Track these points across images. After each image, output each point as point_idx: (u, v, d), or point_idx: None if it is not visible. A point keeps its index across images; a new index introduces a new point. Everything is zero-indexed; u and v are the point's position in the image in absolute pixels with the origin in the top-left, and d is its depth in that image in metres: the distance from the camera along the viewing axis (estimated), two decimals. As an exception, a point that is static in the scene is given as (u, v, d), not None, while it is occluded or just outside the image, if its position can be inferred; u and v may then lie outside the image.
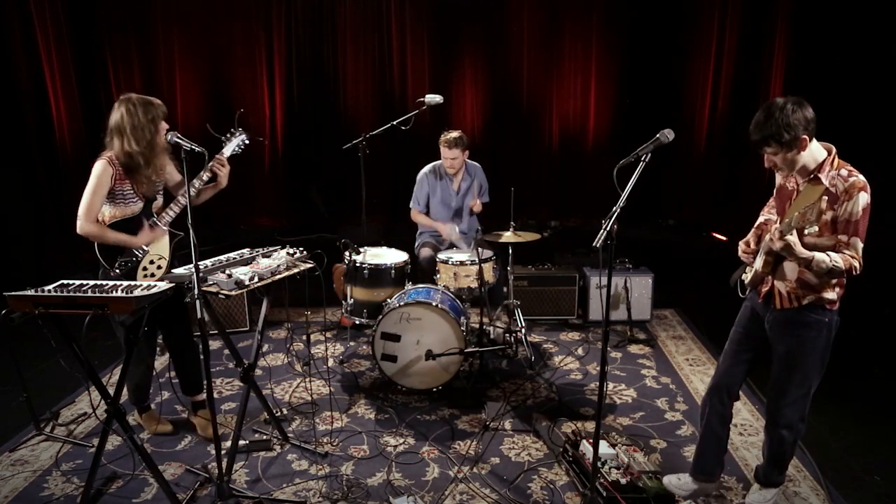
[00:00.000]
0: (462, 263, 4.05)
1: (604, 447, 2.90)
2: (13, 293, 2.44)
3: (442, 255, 4.18)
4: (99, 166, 2.99)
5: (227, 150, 3.29)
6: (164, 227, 3.19)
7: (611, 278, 2.59)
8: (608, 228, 2.37)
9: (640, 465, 2.88)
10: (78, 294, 2.46)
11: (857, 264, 2.35)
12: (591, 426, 3.25)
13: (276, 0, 7.11)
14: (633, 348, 4.52)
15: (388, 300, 3.90)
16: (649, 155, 2.46)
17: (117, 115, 3.00)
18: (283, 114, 7.45)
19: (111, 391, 2.68)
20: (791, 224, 2.27)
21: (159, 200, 3.23)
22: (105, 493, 2.90)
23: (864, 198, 2.34)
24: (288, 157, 7.60)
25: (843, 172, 2.39)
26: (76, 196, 3.05)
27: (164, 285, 2.62)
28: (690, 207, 7.57)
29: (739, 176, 7.08)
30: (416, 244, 4.75)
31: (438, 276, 4.16)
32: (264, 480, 2.99)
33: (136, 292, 2.51)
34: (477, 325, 4.23)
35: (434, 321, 3.68)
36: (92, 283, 2.59)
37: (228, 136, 3.34)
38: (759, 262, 2.56)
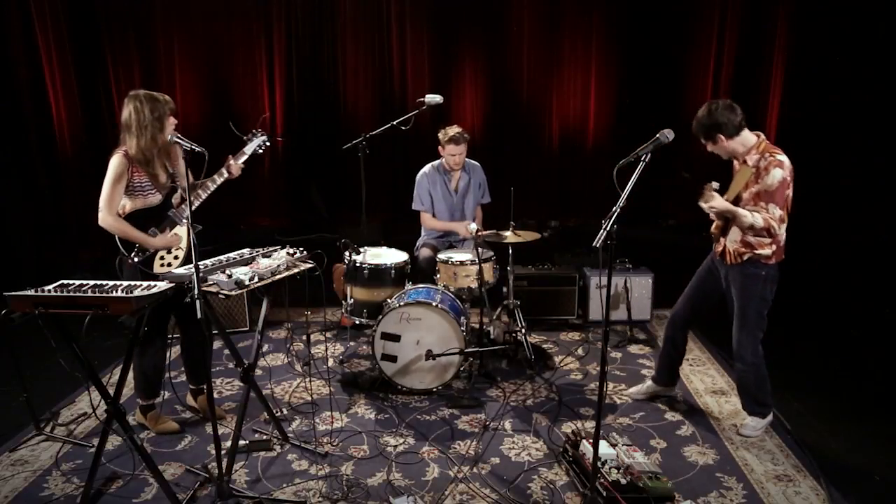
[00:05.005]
0: (462, 263, 4.05)
1: (604, 447, 2.89)
2: (13, 293, 2.44)
3: (442, 256, 4.18)
4: (115, 159, 3.12)
5: (248, 149, 3.53)
6: (183, 221, 3.32)
7: (611, 278, 2.60)
8: (608, 228, 2.38)
9: (640, 465, 2.88)
10: (78, 294, 2.46)
11: (774, 224, 2.97)
12: (591, 426, 3.24)
13: (276, 0, 7.12)
14: (633, 348, 4.52)
15: (388, 300, 3.90)
16: (649, 155, 2.49)
17: (126, 111, 3.11)
18: (283, 114, 7.44)
19: (111, 391, 2.68)
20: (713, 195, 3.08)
21: (178, 193, 3.34)
22: (105, 493, 2.90)
23: (778, 173, 2.93)
24: (288, 157, 7.58)
25: (767, 155, 2.99)
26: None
27: (163, 285, 2.62)
28: (690, 207, 7.54)
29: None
30: (417, 245, 4.74)
31: (438, 276, 4.16)
32: (264, 480, 2.99)
33: (136, 292, 2.51)
34: (477, 325, 4.23)
35: (434, 321, 3.69)
36: (92, 283, 2.59)
37: (250, 136, 3.59)
38: (714, 226, 3.31)
